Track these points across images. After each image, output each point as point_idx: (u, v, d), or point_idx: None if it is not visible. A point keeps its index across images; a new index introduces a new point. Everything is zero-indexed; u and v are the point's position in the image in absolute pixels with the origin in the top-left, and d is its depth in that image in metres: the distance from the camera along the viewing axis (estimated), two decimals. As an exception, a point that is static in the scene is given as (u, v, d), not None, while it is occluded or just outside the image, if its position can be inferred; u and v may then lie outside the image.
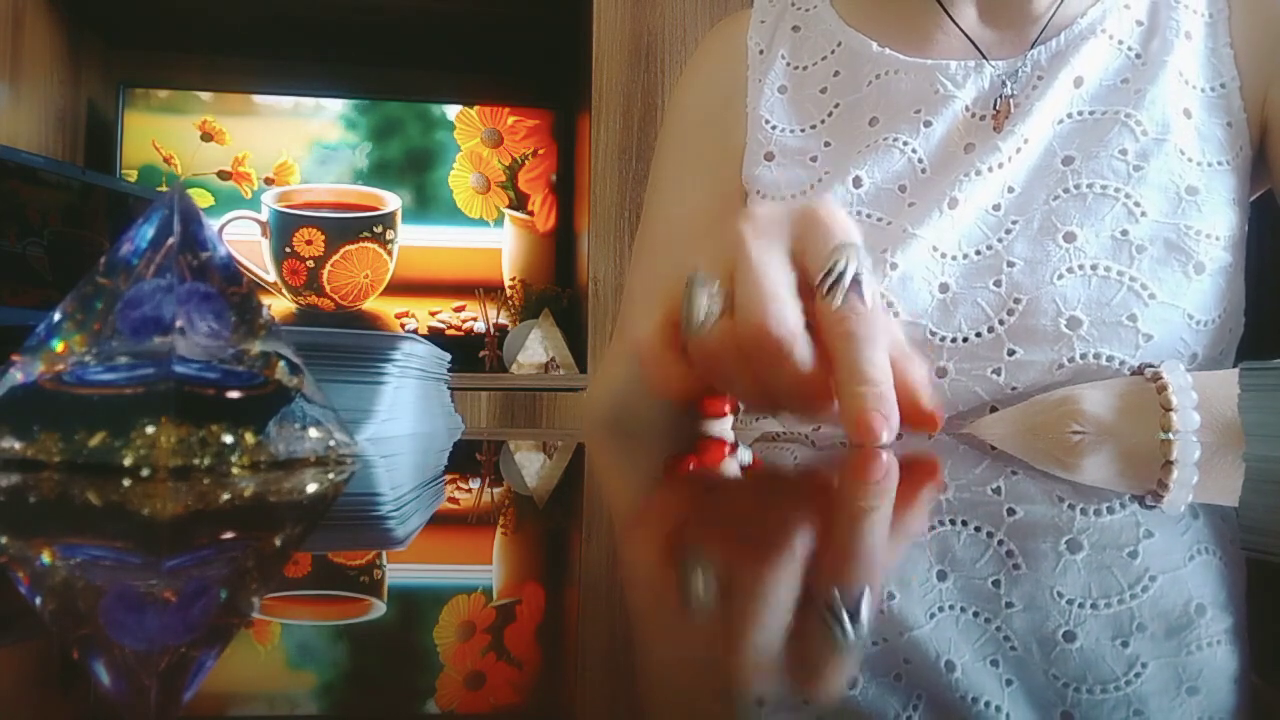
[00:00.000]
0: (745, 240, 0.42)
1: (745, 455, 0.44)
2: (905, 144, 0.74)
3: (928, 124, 0.74)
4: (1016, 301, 0.69)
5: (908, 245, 0.70)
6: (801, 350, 0.41)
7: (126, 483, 0.27)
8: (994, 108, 0.73)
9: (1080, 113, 0.72)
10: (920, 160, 0.73)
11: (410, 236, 2.06)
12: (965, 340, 0.69)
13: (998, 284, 0.70)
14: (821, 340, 0.41)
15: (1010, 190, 0.72)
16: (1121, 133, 0.71)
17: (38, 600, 0.16)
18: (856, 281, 0.41)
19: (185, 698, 0.11)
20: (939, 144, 0.73)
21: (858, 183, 0.73)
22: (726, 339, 0.42)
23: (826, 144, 0.77)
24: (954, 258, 0.70)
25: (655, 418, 0.64)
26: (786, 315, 0.41)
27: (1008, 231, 0.71)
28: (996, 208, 0.71)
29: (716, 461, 0.41)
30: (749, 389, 0.43)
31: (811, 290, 0.42)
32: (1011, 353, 0.69)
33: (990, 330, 0.69)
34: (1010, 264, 0.70)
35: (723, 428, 0.64)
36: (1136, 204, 0.69)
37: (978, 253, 0.71)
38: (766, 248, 0.42)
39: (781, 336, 0.40)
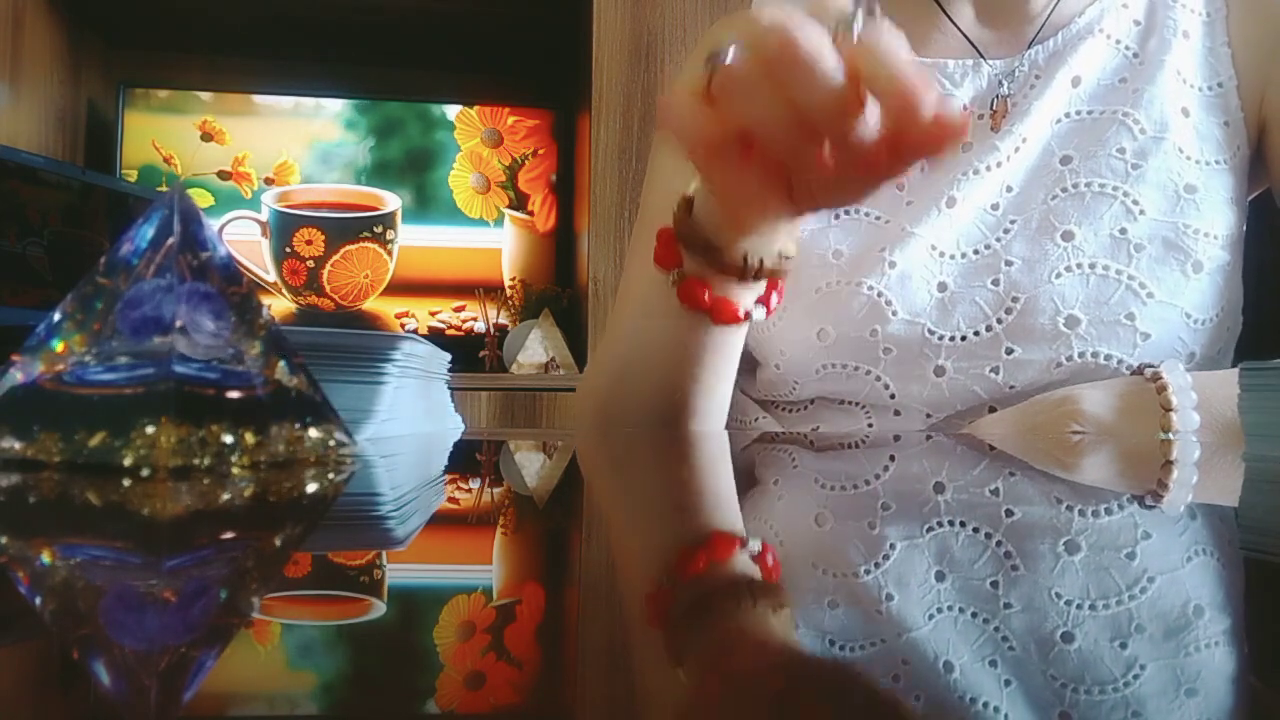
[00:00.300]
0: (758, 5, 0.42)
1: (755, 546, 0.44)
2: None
3: (926, 123, 0.74)
4: (1015, 300, 0.69)
5: (906, 244, 0.70)
6: (829, 56, 0.41)
7: (126, 483, 0.27)
8: (991, 107, 0.73)
9: (1078, 112, 0.72)
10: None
11: (410, 236, 2.06)
12: (964, 339, 0.69)
13: (996, 283, 0.70)
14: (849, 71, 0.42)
15: (1008, 189, 0.72)
16: (1119, 132, 0.71)
17: (38, 600, 0.16)
18: (870, 14, 0.41)
19: (185, 698, 0.11)
20: (937, 143, 0.73)
21: None
22: (754, 63, 0.42)
23: (825, 143, 0.76)
24: (952, 257, 0.71)
25: (662, 347, 0.60)
26: (810, 29, 0.41)
27: (1006, 231, 0.71)
28: (995, 207, 0.71)
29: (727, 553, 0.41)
30: (778, 113, 0.42)
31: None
32: (1010, 351, 0.69)
33: (988, 329, 0.69)
34: (1008, 263, 0.70)
35: (737, 335, 0.61)
36: (1135, 202, 0.69)
37: (976, 252, 0.71)
38: (783, 6, 0.42)
39: (809, 41, 0.40)
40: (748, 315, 0.56)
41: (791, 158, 0.44)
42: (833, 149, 0.43)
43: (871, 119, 0.41)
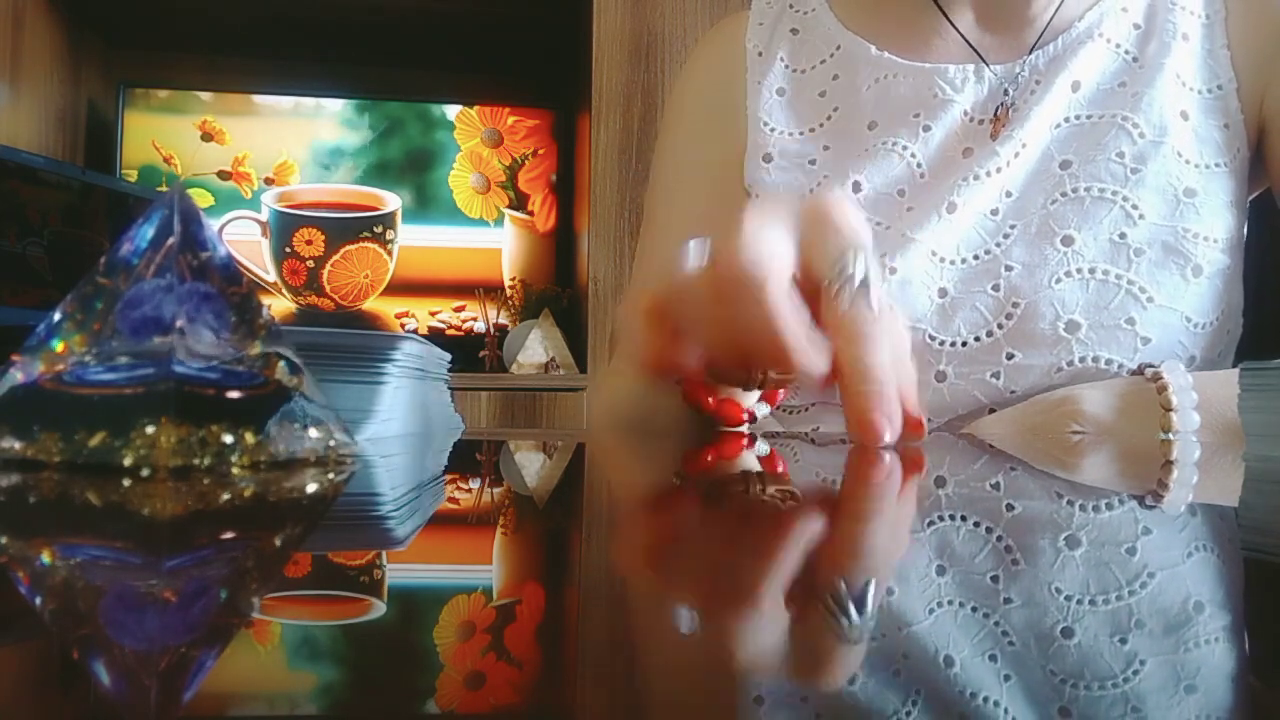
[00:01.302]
0: (746, 217, 0.41)
1: (763, 448, 0.44)
2: (904, 148, 0.73)
3: (926, 128, 0.74)
4: (1015, 306, 0.69)
5: (906, 250, 0.70)
6: (775, 289, 0.39)
7: (126, 483, 0.27)
8: (994, 114, 0.73)
9: (1078, 117, 0.72)
10: (919, 165, 0.73)
11: (410, 236, 2.06)
12: (964, 345, 0.69)
13: (996, 288, 0.70)
14: (827, 336, 0.41)
15: (1008, 195, 0.72)
16: (1119, 136, 0.71)
17: (38, 600, 0.16)
18: (864, 284, 0.40)
19: (185, 698, 0.11)
20: (937, 148, 0.73)
21: (856, 187, 0.73)
22: (703, 278, 0.42)
23: (825, 147, 0.76)
24: (952, 262, 0.70)
25: (668, 426, 0.63)
26: (764, 254, 0.40)
27: (1006, 236, 0.70)
28: (995, 212, 0.71)
29: (732, 454, 0.41)
30: (718, 334, 0.42)
31: (814, 293, 0.41)
32: (1010, 357, 0.69)
33: (989, 334, 0.69)
34: (1008, 268, 0.70)
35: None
36: (1134, 207, 0.69)
37: (976, 257, 0.71)
38: (767, 223, 0.41)
39: (754, 270, 0.39)
40: (752, 416, 0.56)
41: (732, 378, 0.45)
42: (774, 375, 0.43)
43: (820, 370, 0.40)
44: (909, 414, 0.41)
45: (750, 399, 0.56)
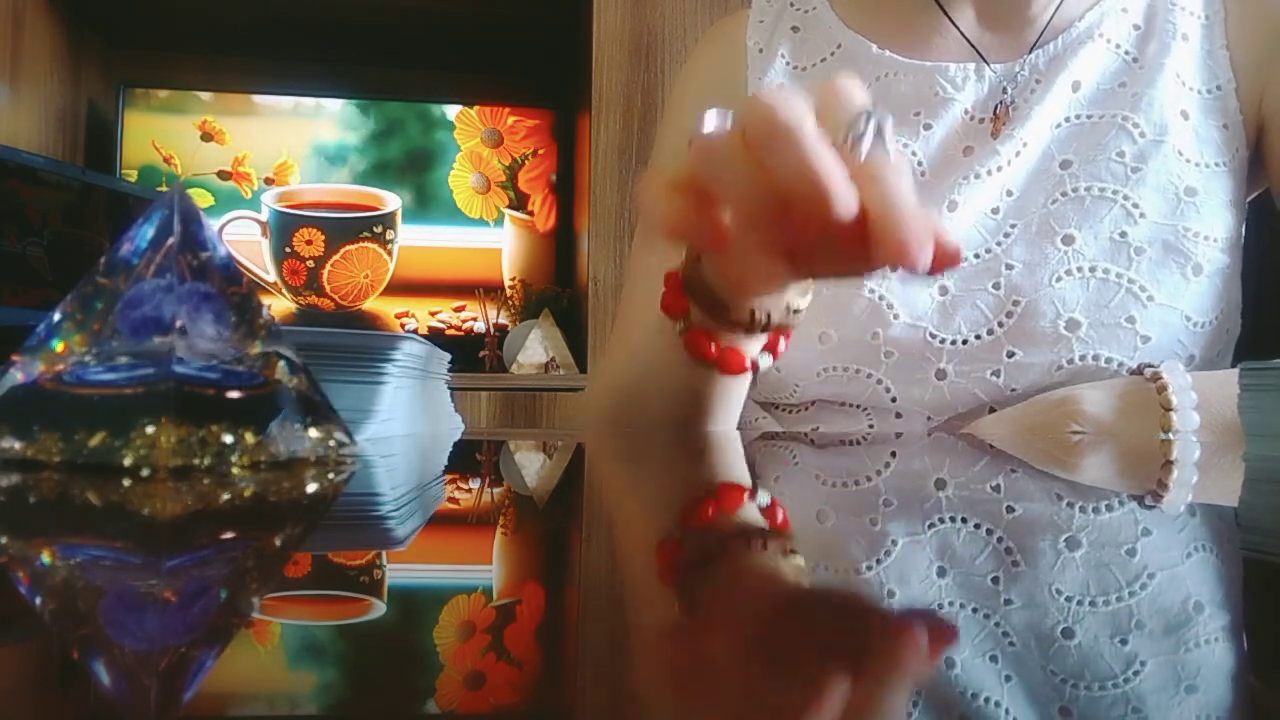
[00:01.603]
0: (763, 91, 0.41)
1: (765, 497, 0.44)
2: (905, 146, 0.73)
3: (928, 127, 0.74)
4: (1015, 304, 0.69)
5: (907, 246, 0.70)
6: (810, 130, 0.39)
7: (126, 483, 0.27)
8: (994, 113, 0.73)
9: (1078, 116, 0.72)
10: (920, 163, 0.73)
11: (410, 236, 2.06)
12: (965, 343, 0.69)
13: (996, 286, 0.70)
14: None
15: (1009, 194, 0.72)
16: (1119, 136, 0.71)
17: (38, 600, 0.16)
18: (879, 135, 0.41)
19: (185, 698, 0.11)
20: (938, 147, 0.73)
21: None
22: (733, 136, 0.41)
23: (825, 144, 0.76)
24: (953, 260, 0.70)
25: (667, 392, 0.61)
26: (795, 103, 0.40)
27: (1006, 235, 0.71)
28: (995, 211, 0.71)
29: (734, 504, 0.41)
30: (753, 186, 0.41)
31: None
32: (1011, 355, 0.69)
33: (989, 333, 0.69)
34: (1009, 267, 0.70)
35: (744, 379, 0.60)
36: (1135, 205, 0.69)
37: (976, 256, 0.71)
38: (785, 91, 0.41)
39: (790, 114, 0.39)
40: (755, 365, 0.56)
41: (766, 234, 0.43)
42: (809, 230, 0.42)
43: (850, 213, 0.40)
44: (942, 241, 0.40)
45: (754, 348, 0.56)
